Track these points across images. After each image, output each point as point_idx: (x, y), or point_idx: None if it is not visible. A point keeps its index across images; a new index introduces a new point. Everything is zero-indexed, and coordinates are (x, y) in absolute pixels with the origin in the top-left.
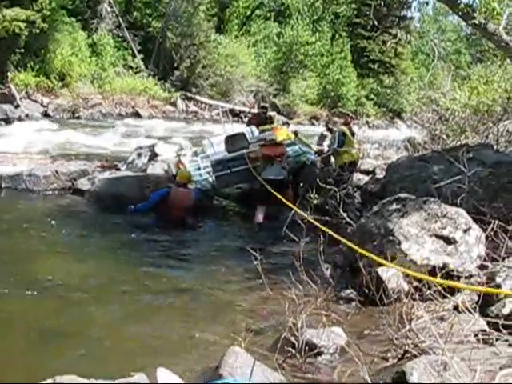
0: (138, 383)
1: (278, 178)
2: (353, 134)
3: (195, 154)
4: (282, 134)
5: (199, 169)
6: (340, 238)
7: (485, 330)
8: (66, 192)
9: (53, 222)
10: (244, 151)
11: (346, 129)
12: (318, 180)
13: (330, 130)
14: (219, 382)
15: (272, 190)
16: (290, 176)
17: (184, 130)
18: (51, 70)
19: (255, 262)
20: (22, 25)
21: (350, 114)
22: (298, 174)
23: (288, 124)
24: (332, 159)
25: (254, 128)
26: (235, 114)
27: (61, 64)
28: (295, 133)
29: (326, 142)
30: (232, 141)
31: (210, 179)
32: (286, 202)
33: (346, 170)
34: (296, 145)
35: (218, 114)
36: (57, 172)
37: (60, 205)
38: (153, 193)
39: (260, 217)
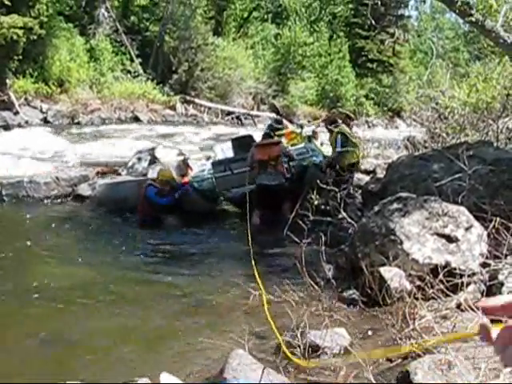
0: None
1: (271, 183)
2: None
3: (207, 159)
4: (294, 138)
5: (203, 170)
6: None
7: None
8: (66, 198)
9: (54, 228)
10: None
11: (345, 128)
12: (318, 181)
13: (329, 130)
14: None
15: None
16: (292, 181)
17: (184, 133)
18: (50, 76)
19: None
20: (20, 31)
21: (350, 115)
22: (301, 178)
23: (302, 127)
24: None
25: None
26: (235, 117)
27: (59, 70)
28: (309, 138)
29: (317, 142)
30: (239, 143)
31: (211, 180)
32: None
33: (345, 171)
34: (304, 147)
35: (234, 118)
36: (57, 178)
37: (61, 211)
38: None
39: (256, 219)
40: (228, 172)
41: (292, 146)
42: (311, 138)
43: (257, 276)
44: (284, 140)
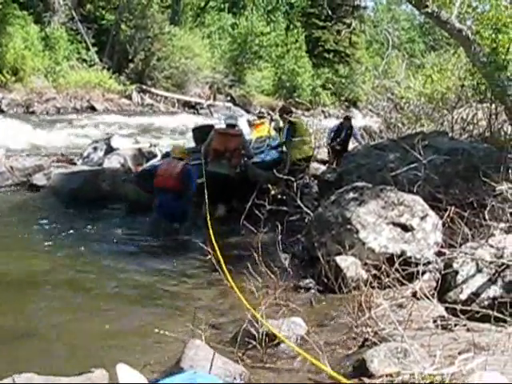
0: (98, 380)
1: (220, 171)
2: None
3: None
4: (262, 130)
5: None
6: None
7: (443, 316)
8: (21, 188)
9: (7, 217)
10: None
11: (298, 121)
12: (274, 171)
13: (283, 119)
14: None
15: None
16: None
17: (140, 122)
18: (4, 65)
19: (209, 257)
20: None
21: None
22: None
23: (272, 119)
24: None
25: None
26: (191, 106)
27: (13, 58)
28: (279, 130)
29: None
30: (200, 133)
31: None
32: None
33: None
34: (265, 143)
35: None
36: (11, 168)
37: (15, 201)
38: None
39: (220, 211)
40: None
41: (258, 138)
42: (281, 131)
43: (221, 259)
44: (252, 131)
